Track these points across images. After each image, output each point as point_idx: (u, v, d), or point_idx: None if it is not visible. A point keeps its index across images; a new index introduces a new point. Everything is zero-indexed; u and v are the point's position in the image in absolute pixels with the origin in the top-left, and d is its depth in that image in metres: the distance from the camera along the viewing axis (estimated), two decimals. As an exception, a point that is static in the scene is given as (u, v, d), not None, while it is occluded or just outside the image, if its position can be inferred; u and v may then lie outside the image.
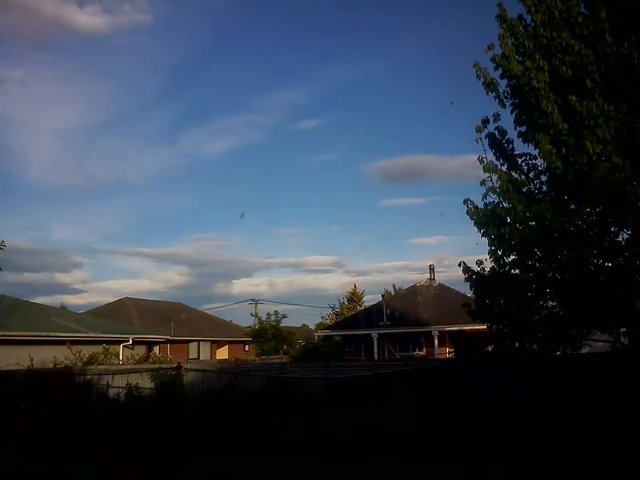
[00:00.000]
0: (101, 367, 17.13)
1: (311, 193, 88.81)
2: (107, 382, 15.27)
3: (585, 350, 10.52)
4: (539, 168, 9.53)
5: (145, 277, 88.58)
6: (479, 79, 9.23)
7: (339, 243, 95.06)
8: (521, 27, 9.05)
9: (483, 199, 9.25)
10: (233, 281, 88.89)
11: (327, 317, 50.81)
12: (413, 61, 77.12)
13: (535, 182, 9.58)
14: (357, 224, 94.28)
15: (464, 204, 9.24)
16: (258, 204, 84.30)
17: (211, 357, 34.34)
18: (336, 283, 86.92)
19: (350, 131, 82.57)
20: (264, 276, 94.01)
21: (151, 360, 21.95)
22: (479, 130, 9.42)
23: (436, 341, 30.26)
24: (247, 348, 38.11)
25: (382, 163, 77.24)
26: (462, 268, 9.77)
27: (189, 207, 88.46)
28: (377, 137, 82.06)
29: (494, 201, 9.16)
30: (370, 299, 52.69)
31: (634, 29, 7.94)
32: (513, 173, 9.54)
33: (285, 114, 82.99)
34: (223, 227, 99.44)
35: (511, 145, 9.78)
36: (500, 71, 9.13)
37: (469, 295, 11.53)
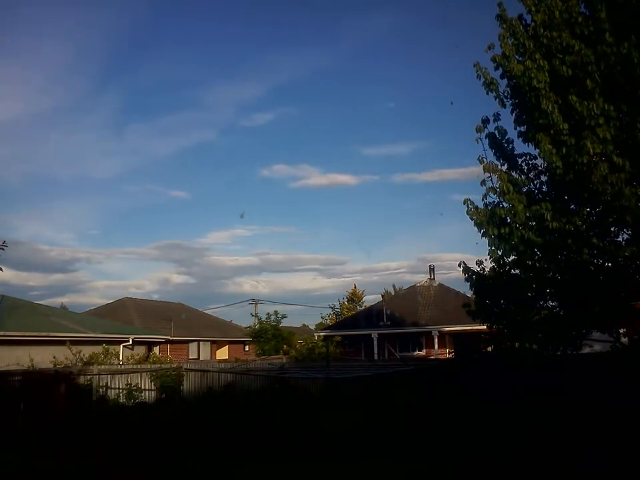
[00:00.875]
0: (101, 367, 17.14)
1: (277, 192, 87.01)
2: (107, 382, 15.28)
3: (585, 350, 10.51)
4: (539, 168, 9.52)
5: (130, 279, 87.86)
6: (479, 79, 9.22)
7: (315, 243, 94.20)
8: (521, 27, 9.04)
9: (483, 199, 9.25)
10: (222, 282, 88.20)
11: (327, 317, 50.90)
12: (377, 52, 75.63)
13: (535, 182, 9.57)
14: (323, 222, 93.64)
15: (464, 204, 9.25)
16: (219, 202, 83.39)
17: (211, 357, 34.31)
18: (314, 283, 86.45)
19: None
20: (246, 276, 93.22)
21: (151, 360, 21.96)
22: (479, 130, 9.41)
23: (436, 341, 30.27)
24: (247, 348, 38.08)
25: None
26: (462, 268, 9.77)
27: (150, 206, 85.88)
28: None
29: (494, 201, 9.16)
30: (370, 299, 52.66)
31: (634, 29, 7.93)
32: (513, 173, 9.53)
33: (235, 110, 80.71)
34: (201, 228, 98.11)
35: (511, 145, 9.77)
36: (500, 71, 9.12)
37: (469, 295, 11.53)
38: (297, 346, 31.38)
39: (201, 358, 33.14)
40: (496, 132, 9.64)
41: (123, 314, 33.42)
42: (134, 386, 14.85)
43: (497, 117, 9.58)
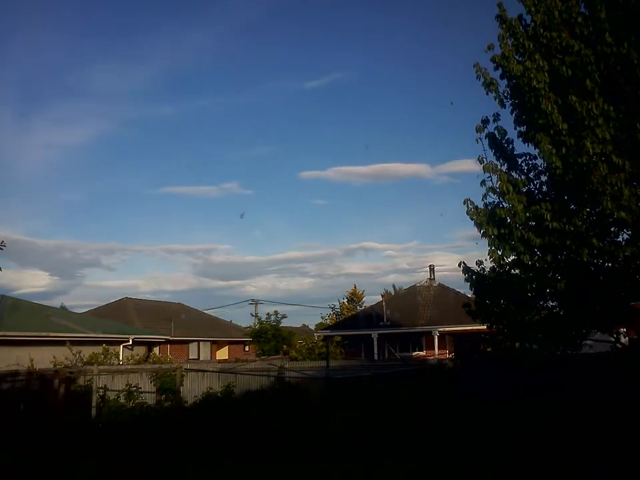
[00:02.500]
0: (100, 367, 17.11)
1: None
2: (107, 383, 15.28)
3: (585, 350, 10.52)
4: (539, 168, 9.54)
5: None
6: (479, 79, 9.24)
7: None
8: (520, 27, 9.06)
9: (482, 199, 9.28)
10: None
11: (327, 317, 50.87)
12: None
13: (535, 182, 9.59)
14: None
15: (464, 204, 9.27)
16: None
17: (211, 358, 34.30)
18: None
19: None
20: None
21: (151, 360, 21.98)
22: (478, 130, 9.43)
23: (436, 341, 30.27)
24: (247, 348, 38.06)
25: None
26: (462, 268, 9.78)
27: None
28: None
29: (494, 201, 9.18)
30: (369, 300, 52.57)
31: (634, 29, 7.94)
32: (513, 173, 9.55)
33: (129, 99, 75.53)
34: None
35: (510, 145, 9.78)
36: (500, 71, 9.14)
37: (469, 295, 11.54)
38: (297, 346, 31.37)
39: (201, 358, 33.13)
40: (496, 132, 9.66)
41: (123, 314, 33.42)
42: (134, 386, 14.84)
43: (496, 117, 9.61)
